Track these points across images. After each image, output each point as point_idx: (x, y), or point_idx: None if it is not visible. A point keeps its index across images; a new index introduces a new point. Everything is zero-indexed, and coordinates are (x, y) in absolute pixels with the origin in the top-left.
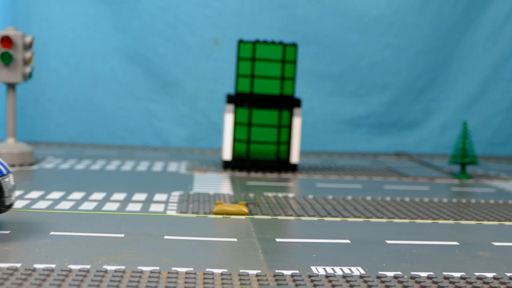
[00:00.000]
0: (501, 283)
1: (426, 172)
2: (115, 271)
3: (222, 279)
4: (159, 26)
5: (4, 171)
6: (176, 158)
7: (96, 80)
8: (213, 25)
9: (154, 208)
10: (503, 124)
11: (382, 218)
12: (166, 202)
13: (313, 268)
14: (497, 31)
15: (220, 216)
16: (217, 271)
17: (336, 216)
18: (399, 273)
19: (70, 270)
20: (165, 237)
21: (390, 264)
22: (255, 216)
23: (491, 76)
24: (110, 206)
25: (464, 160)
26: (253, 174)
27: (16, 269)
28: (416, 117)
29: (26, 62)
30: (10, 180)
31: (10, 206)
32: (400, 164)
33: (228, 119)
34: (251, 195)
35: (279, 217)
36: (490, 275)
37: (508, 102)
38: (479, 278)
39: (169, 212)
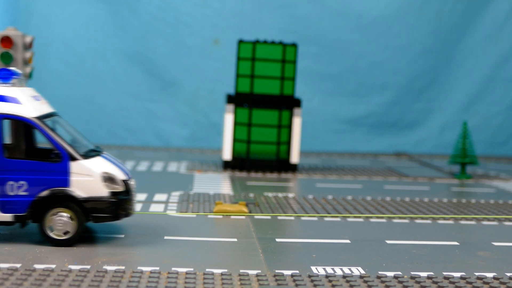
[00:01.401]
0: (501, 283)
1: (426, 172)
2: (115, 271)
3: (222, 279)
4: (159, 26)
5: (130, 175)
6: (176, 158)
7: (97, 80)
8: (213, 25)
9: (154, 208)
10: (503, 124)
11: (382, 218)
12: (166, 202)
13: (313, 268)
14: (497, 31)
15: (220, 216)
16: (217, 271)
17: (336, 216)
18: (399, 273)
19: (70, 270)
20: (165, 237)
21: (390, 264)
22: (255, 216)
23: (491, 76)
24: None
25: (464, 160)
26: (253, 174)
27: (16, 269)
28: (416, 117)
29: (26, 62)
30: (134, 184)
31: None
32: (400, 164)
33: (228, 119)
34: (251, 195)
35: (279, 217)
36: (490, 275)
37: (508, 102)
38: (479, 278)
39: (169, 212)
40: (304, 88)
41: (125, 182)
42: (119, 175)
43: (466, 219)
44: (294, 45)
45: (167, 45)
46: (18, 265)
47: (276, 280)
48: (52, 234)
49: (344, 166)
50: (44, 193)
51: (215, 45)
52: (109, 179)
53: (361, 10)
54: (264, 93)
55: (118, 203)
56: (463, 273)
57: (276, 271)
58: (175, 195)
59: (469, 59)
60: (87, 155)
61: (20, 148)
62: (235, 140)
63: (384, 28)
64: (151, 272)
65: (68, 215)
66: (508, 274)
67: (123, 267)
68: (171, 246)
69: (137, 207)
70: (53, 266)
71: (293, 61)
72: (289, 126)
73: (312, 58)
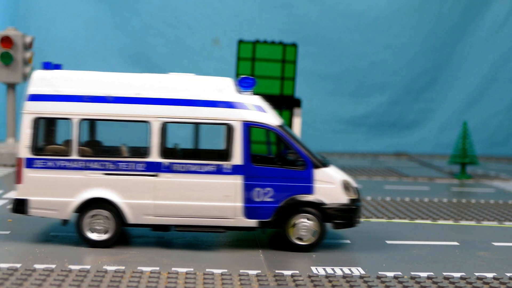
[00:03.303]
0: (501, 283)
1: (426, 172)
2: (115, 271)
3: (222, 279)
4: (159, 26)
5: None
6: None
7: None
8: (213, 25)
9: None
10: (503, 124)
11: (382, 218)
12: None
13: (313, 268)
14: (497, 32)
15: None
16: (217, 271)
17: None
18: (399, 273)
19: (70, 270)
20: (165, 237)
21: (390, 264)
22: None
23: (491, 76)
24: None
25: (464, 160)
26: None
27: (16, 269)
28: (416, 117)
29: (26, 62)
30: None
31: None
32: (400, 164)
33: None
34: None
35: None
36: (490, 275)
37: (507, 102)
38: (479, 278)
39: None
40: (304, 88)
41: (357, 190)
42: (353, 183)
43: (466, 219)
44: (294, 45)
45: (167, 45)
46: (18, 265)
47: (276, 280)
48: (295, 240)
49: (344, 166)
50: (289, 199)
51: (215, 45)
52: (348, 186)
53: (361, 10)
54: (264, 93)
55: (355, 210)
56: (463, 273)
57: (276, 271)
58: None
59: (469, 59)
60: (326, 163)
61: (265, 155)
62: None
63: (384, 28)
64: (151, 272)
65: (311, 222)
66: (508, 274)
67: (123, 267)
68: (172, 246)
69: None
70: (53, 266)
71: (293, 61)
72: (289, 126)
73: (312, 58)
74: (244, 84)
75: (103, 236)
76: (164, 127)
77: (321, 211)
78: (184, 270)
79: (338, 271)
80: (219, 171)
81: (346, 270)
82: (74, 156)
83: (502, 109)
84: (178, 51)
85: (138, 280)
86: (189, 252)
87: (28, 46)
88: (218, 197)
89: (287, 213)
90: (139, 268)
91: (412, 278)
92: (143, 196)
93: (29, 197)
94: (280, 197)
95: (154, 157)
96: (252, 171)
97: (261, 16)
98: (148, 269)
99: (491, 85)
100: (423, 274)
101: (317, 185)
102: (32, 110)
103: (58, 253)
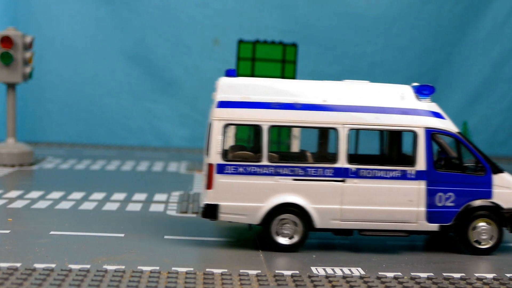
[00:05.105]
0: (501, 284)
1: None
2: (115, 271)
3: (222, 279)
4: (159, 26)
5: None
6: (176, 158)
7: (97, 80)
8: (213, 25)
9: (154, 208)
10: (503, 124)
11: None
12: (166, 202)
13: (313, 268)
14: (497, 31)
15: None
16: (217, 271)
17: None
18: (399, 273)
19: (70, 270)
20: (165, 237)
21: (390, 265)
22: None
23: (491, 76)
24: (110, 206)
25: None
26: None
27: (16, 269)
28: None
29: (26, 62)
30: None
31: None
32: None
33: None
34: None
35: None
36: (490, 275)
37: (508, 102)
38: (479, 279)
39: (169, 212)
40: None
41: None
42: None
43: None
44: (294, 45)
45: (167, 45)
46: (18, 265)
47: (276, 280)
48: (474, 244)
49: None
50: (469, 204)
51: (215, 45)
52: None
53: (361, 10)
54: None
55: None
56: (463, 274)
57: (276, 271)
58: (175, 195)
59: (469, 59)
60: (501, 168)
61: (447, 161)
62: (236, 140)
63: (384, 28)
64: (151, 272)
65: (490, 226)
66: (508, 275)
67: (123, 267)
68: (171, 246)
69: (137, 207)
70: (53, 265)
71: (293, 61)
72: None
73: (312, 58)
74: (423, 91)
75: (293, 240)
76: (351, 134)
77: (498, 215)
78: (184, 270)
79: (338, 271)
80: (403, 176)
81: (346, 270)
82: (265, 162)
83: (502, 109)
84: (178, 51)
85: (138, 280)
86: (189, 252)
87: (28, 46)
88: (402, 202)
89: (467, 217)
90: (139, 267)
91: (412, 278)
92: (331, 201)
93: (219, 202)
94: (460, 202)
95: (342, 163)
96: (435, 176)
97: (261, 16)
98: (148, 268)
99: (491, 85)
100: (423, 275)
101: (495, 190)
102: (222, 116)
103: (58, 252)
